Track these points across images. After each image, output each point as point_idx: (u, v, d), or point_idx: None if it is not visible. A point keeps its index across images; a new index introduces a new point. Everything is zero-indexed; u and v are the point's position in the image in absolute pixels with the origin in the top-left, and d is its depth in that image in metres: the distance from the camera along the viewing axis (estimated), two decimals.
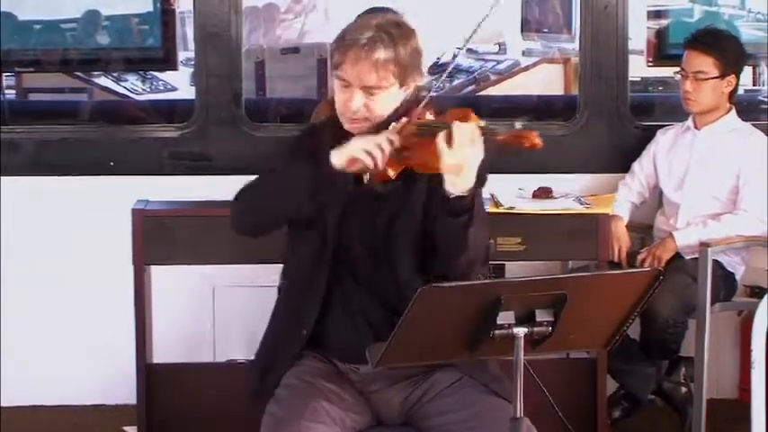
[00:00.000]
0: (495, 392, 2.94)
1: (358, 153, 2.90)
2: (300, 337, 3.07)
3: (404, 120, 2.97)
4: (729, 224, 4.35)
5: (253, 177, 3.12)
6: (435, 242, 2.98)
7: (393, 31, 2.97)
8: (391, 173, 2.95)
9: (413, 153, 2.93)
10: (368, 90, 2.96)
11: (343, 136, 3.03)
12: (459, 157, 2.82)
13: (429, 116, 2.99)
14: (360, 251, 3.04)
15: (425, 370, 3.04)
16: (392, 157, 2.94)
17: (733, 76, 4.45)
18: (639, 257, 4.42)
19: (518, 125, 2.85)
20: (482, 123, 2.87)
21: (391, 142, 2.90)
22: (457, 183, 2.86)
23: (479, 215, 2.96)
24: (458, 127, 2.82)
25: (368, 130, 2.99)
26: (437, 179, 2.93)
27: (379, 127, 2.99)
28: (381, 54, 2.93)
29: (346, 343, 3.01)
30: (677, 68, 4.55)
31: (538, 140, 2.82)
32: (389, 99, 3.00)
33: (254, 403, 3.04)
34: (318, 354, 3.08)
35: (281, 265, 3.33)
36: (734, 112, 4.51)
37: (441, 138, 2.82)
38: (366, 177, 3.03)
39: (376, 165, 2.90)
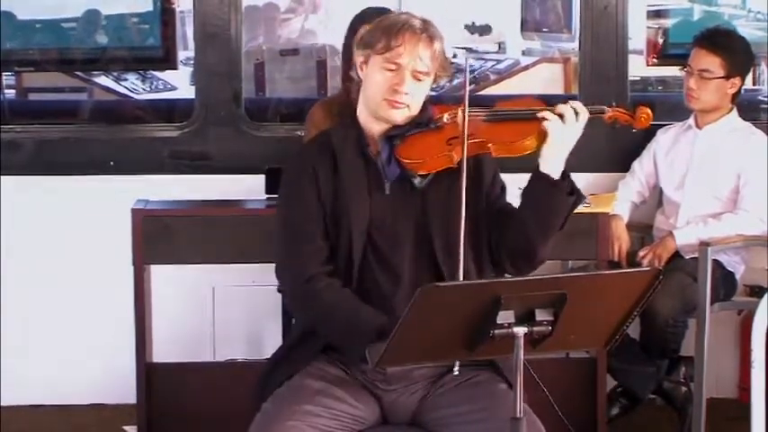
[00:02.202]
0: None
1: None
2: (318, 345, 3.07)
3: (459, 112, 3.02)
4: (730, 223, 4.35)
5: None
6: (519, 231, 3.02)
7: (435, 27, 3.08)
8: (456, 158, 3.00)
9: (496, 138, 3.02)
10: (416, 76, 3.02)
11: (365, 140, 3.07)
12: (569, 138, 2.95)
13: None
14: (398, 259, 3.03)
15: (446, 368, 3.04)
16: (456, 147, 2.99)
17: (738, 78, 4.45)
18: (640, 254, 4.42)
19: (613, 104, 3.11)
20: None
21: None
22: (558, 162, 2.97)
23: None
24: (569, 108, 2.96)
25: (405, 119, 3.06)
26: (476, 179, 3.03)
27: (414, 120, 3.06)
28: (438, 45, 3.05)
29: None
30: (678, 68, 4.55)
31: (650, 113, 3.11)
32: (425, 92, 3.08)
33: (257, 402, 3.04)
34: (333, 357, 3.07)
35: None
36: (735, 111, 4.51)
37: (550, 118, 2.95)
38: (417, 181, 3.06)
39: None
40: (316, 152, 3.13)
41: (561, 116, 2.96)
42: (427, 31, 3.03)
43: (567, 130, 2.96)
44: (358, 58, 3.10)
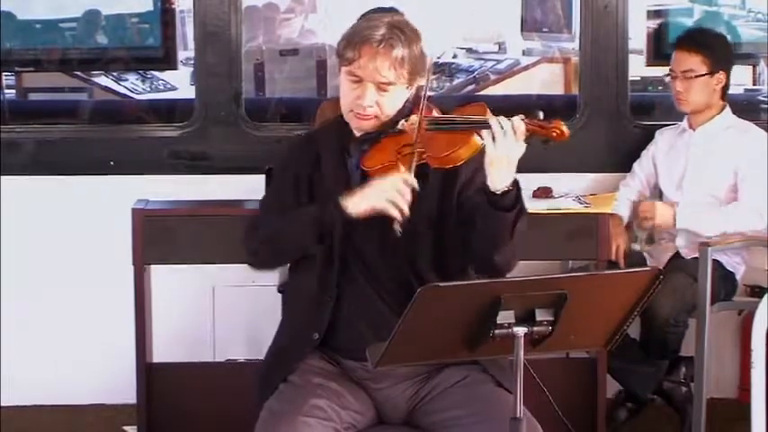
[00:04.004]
0: (506, 387, 2.94)
1: (380, 203, 2.91)
2: (312, 340, 3.08)
3: (413, 118, 2.99)
4: (728, 215, 4.34)
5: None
6: (473, 239, 2.98)
7: (406, 30, 3.02)
8: (402, 168, 2.95)
9: (431, 149, 2.94)
10: (380, 86, 2.99)
11: (348, 139, 3.06)
12: (505, 150, 2.85)
13: (435, 113, 3.01)
14: (370, 251, 3.04)
15: (435, 367, 3.04)
16: (405, 156, 2.95)
17: (722, 73, 4.46)
18: (640, 207, 4.43)
19: (540, 114, 2.89)
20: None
21: (407, 182, 2.91)
22: (501, 177, 2.89)
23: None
24: (502, 120, 2.86)
25: (375, 127, 3.03)
26: (450, 177, 2.99)
27: (386, 126, 3.03)
28: (399, 52, 2.98)
29: (358, 342, 2.97)
30: (663, 74, 4.57)
31: (565, 129, 2.88)
32: (398, 97, 3.03)
33: (258, 401, 3.05)
34: (323, 353, 3.09)
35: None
36: (728, 109, 4.52)
37: (485, 132, 2.86)
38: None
39: (402, 213, 2.90)
40: (300, 150, 3.16)
41: (492, 132, 2.86)
42: (388, 41, 2.97)
43: (500, 144, 2.86)
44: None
